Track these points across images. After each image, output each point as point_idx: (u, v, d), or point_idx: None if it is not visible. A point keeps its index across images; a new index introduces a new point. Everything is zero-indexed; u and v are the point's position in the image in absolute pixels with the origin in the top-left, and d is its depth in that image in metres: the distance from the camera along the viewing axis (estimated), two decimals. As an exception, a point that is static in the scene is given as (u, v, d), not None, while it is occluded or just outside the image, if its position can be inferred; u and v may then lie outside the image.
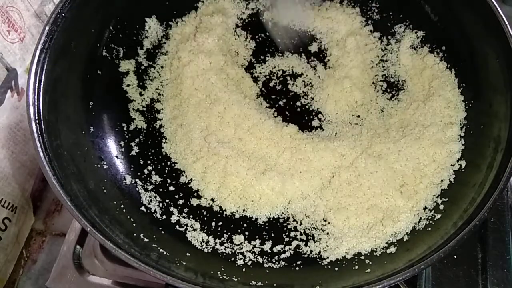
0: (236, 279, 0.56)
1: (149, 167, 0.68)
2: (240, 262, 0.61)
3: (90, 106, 0.66)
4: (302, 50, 0.76)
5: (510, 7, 0.87)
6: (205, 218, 0.65)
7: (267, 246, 0.63)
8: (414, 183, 0.63)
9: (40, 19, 0.76)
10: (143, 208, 0.64)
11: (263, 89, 0.75)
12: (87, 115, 0.65)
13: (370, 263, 0.57)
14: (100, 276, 0.69)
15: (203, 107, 0.70)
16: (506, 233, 0.64)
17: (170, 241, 0.61)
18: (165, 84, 0.74)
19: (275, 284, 0.56)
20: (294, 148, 0.67)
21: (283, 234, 0.64)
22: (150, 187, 0.67)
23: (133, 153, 0.68)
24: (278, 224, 0.65)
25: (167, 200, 0.66)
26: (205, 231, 0.64)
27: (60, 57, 0.60)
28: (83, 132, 0.64)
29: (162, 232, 0.62)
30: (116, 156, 0.67)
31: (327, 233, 0.63)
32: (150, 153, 0.69)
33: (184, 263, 0.56)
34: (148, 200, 0.65)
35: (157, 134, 0.71)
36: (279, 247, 0.63)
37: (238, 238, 0.63)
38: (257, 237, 0.64)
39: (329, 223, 0.63)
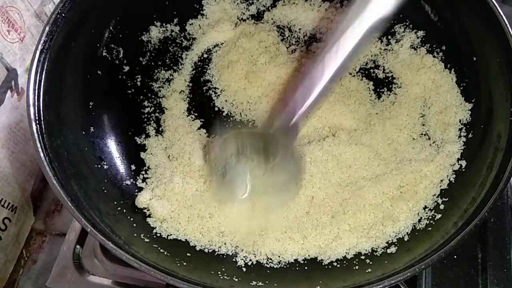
0: (236, 279, 0.56)
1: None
2: (240, 262, 0.61)
3: (90, 106, 0.66)
4: (302, 50, 0.76)
5: (510, 7, 0.87)
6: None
7: (268, 246, 0.63)
8: (414, 183, 0.63)
9: (40, 19, 0.76)
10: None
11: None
12: (87, 115, 0.65)
13: (371, 263, 0.57)
14: (100, 276, 0.69)
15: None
16: (506, 233, 0.64)
17: (171, 241, 0.61)
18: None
19: (275, 284, 0.56)
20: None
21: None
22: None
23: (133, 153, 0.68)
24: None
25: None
26: (205, 231, 0.64)
27: (60, 57, 0.60)
28: (83, 132, 0.64)
29: (163, 232, 0.62)
30: (117, 157, 0.67)
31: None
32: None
33: (185, 263, 0.56)
34: (148, 200, 0.65)
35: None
36: (279, 247, 0.63)
37: (239, 238, 0.63)
38: (257, 237, 0.64)
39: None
